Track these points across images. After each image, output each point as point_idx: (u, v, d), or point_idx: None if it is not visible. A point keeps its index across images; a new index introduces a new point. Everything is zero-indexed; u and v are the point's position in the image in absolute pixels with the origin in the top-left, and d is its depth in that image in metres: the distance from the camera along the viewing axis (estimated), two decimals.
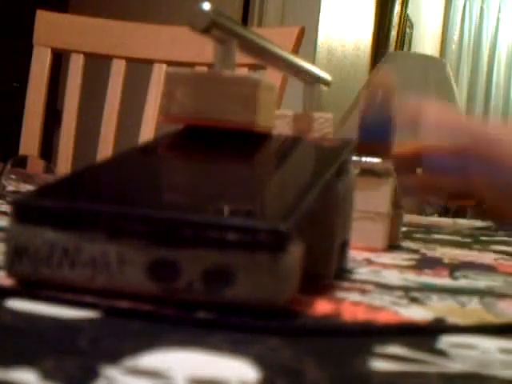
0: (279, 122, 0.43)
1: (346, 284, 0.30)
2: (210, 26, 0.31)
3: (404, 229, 0.65)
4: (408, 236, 0.62)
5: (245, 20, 2.92)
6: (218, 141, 0.31)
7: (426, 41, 3.71)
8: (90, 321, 0.20)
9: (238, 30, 0.33)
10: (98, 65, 1.19)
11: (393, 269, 0.36)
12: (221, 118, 0.31)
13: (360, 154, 0.44)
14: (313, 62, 2.24)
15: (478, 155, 0.48)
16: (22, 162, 0.76)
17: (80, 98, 1.20)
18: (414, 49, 3.40)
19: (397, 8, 3.12)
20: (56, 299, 0.21)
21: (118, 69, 1.21)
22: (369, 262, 0.39)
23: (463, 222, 0.92)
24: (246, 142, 0.31)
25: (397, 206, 0.49)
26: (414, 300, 0.27)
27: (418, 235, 0.66)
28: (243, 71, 1.08)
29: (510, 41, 3.97)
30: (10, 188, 0.67)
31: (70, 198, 0.24)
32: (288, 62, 0.40)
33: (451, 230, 0.76)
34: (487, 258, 0.49)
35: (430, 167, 0.48)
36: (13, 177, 0.71)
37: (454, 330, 0.23)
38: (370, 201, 0.45)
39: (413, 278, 0.33)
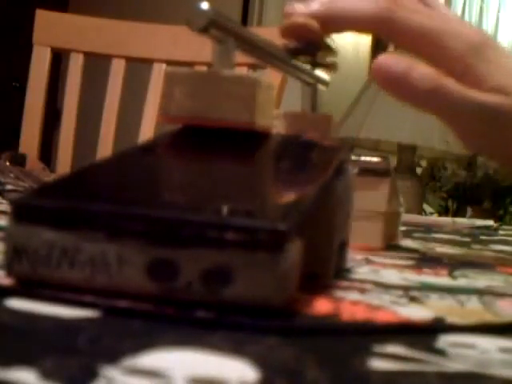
0: (278, 121, 0.43)
1: (345, 283, 0.30)
2: (208, 26, 0.31)
3: (404, 228, 0.65)
4: (407, 235, 0.62)
5: (244, 20, 2.92)
6: (217, 140, 0.31)
7: None
8: (90, 320, 0.20)
9: (236, 30, 0.33)
10: (97, 64, 1.19)
11: (392, 268, 0.36)
12: (219, 118, 0.31)
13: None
14: None
15: None
16: (21, 160, 0.76)
17: (80, 98, 1.20)
18: None
19: None
20: (55, 299, 0.21)
21: (117, 68, 1.21)
22: (368, 261, 0.39)
23: (463, 222, 0.92)
24: (245, 141, 0.31)
25: (396, 205, 0.49)
26: (413, 299, 0.27)
27: (418, 234, 0.66)
28: (243, 70, 1.08)
29: (509, 40, 3.97)
30: (9, 186, 0.67)
31: (69, 198, 0.24)
32: (287, 62, 0.40)
33: (451, 230, 0.76)
34: (487, 257, 0.49)
35: None
36: (11, 175, 0.71)
37: (453, 329, 0.23)
38: (369, 200, 0.45)
39: (412, 277, 0.33)
